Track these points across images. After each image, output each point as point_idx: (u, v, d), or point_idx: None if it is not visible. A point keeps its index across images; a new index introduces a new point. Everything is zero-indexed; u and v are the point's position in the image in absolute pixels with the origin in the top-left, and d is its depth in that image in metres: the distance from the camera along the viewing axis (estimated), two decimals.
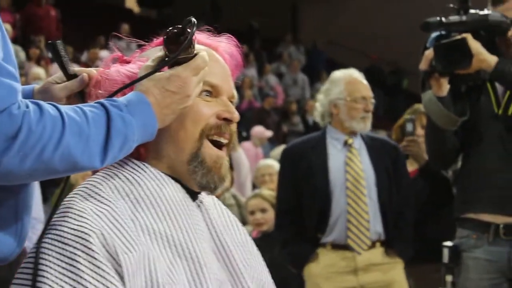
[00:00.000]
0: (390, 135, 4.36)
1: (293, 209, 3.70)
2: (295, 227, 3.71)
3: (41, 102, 1.24)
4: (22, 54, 10.40)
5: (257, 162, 9.66)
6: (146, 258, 1.33)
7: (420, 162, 3.82)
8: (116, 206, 1.36)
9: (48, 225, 1.35)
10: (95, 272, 1.28)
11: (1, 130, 1.17)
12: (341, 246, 3.58)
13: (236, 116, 1.49)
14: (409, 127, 3.80)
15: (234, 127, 1.51)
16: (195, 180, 1.46)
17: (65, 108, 1.26)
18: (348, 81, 3.76)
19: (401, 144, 3.83)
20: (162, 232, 1.38)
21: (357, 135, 3.75)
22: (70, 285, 1.28)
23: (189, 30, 1.37)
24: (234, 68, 1.56)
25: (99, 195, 1.38)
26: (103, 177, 1.43)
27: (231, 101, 1.51)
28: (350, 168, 3.63)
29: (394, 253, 3.63)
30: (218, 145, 1.48)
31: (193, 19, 1.38)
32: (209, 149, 1.46)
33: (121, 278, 1.29)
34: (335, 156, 3.69)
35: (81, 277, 1.28)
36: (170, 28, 1.38)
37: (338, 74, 3.86)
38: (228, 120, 1.48)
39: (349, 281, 3.58)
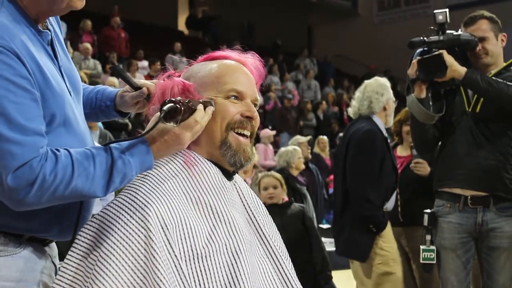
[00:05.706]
0: None
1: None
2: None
3: (60, 152, 1.30)
4: (99, 67, 10.48)
5: (267, 156, 9.61)
6: (184, 224, 1.37)
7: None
8: (170, 183, 1.42)
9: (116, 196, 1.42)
10: (141, 226, 1.33)
11: (24, 178, 1.24)
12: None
13: (255, 114, 1.53)
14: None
15: (255, 123, 1.53)
16: (226, 160, 1.50)
17: (77, 154, 1.31)
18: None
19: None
20: (207, 202, 1.43)
21: None
22: (109, 221, 1.35)
23: (178, 105, 1.36)
24: (258, 78, 1.59)
25: (159, 175, 1.43)
26: (163, 163, 1.47)
27: (254, 103, 1.54)
28: None
29: None
30: (242, 136, 1.51)
31: (167, 103, 1.35)
32: (234, 137, 1.50)
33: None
34: None
35: (130, 226, 1.32)
36: (166, 101, 1.37)
37: (385, 81, 3.78)
38: (249, 118, 1.51)
39: None
